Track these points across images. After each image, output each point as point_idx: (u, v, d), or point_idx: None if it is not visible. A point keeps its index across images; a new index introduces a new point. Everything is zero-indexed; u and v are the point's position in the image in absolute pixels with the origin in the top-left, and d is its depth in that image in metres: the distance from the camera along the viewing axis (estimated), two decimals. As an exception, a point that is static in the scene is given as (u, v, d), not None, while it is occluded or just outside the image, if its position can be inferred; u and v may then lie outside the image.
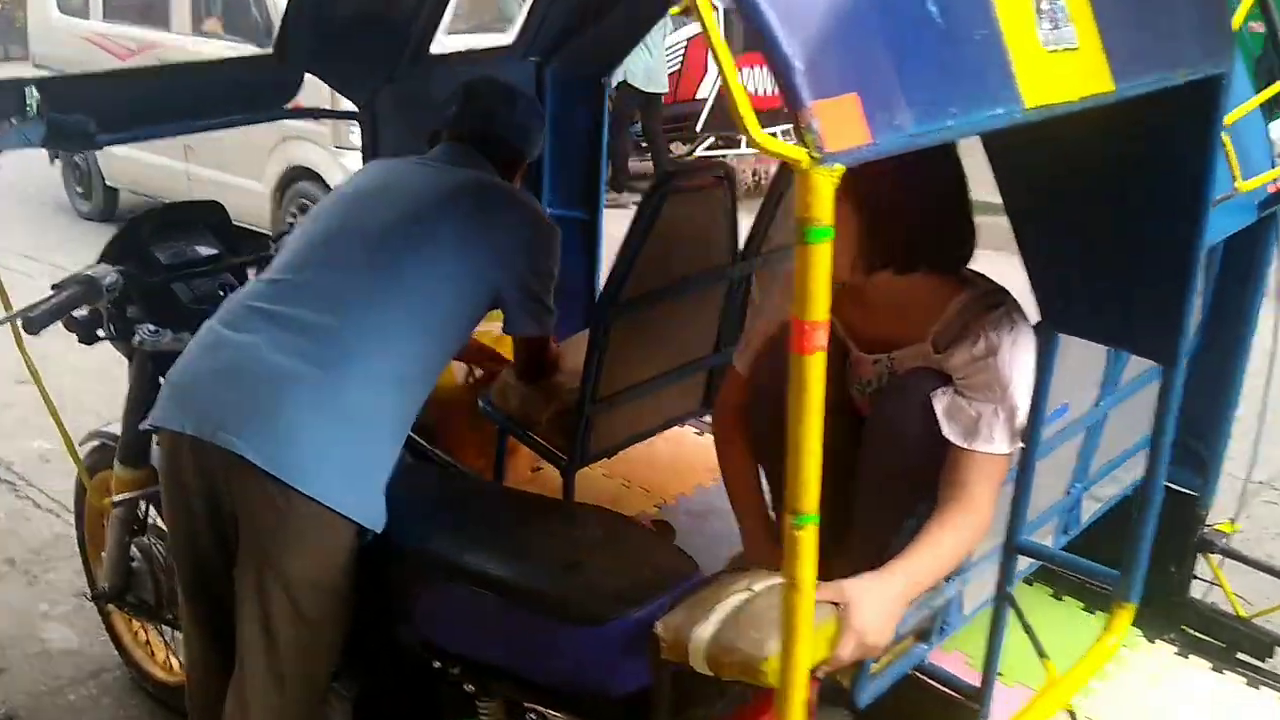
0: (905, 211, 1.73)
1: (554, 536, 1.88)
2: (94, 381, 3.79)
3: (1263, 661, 2.43)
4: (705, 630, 1.55)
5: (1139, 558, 1.65)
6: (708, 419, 2.93)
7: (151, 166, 6.98)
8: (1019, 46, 1.08)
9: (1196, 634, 2.50)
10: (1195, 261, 1.47)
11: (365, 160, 2.81)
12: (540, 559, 1.82)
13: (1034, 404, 1.72)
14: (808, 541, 1.02)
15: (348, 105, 2.91)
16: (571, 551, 1.82)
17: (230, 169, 6.49)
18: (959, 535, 1.69)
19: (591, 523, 1.92)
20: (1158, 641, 2.48)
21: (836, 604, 1.57)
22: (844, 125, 0.89)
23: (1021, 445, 1.74)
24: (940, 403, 1.75)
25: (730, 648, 1.51)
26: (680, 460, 3.02)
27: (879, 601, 1.59)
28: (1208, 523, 2.48)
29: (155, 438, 2.13)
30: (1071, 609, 2.42)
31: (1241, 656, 2.44)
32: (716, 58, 0.87)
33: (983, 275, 1.86)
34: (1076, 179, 1.54)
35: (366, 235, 2.11)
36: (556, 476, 2.78)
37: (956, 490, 1.72)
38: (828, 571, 1.91)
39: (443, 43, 3.13)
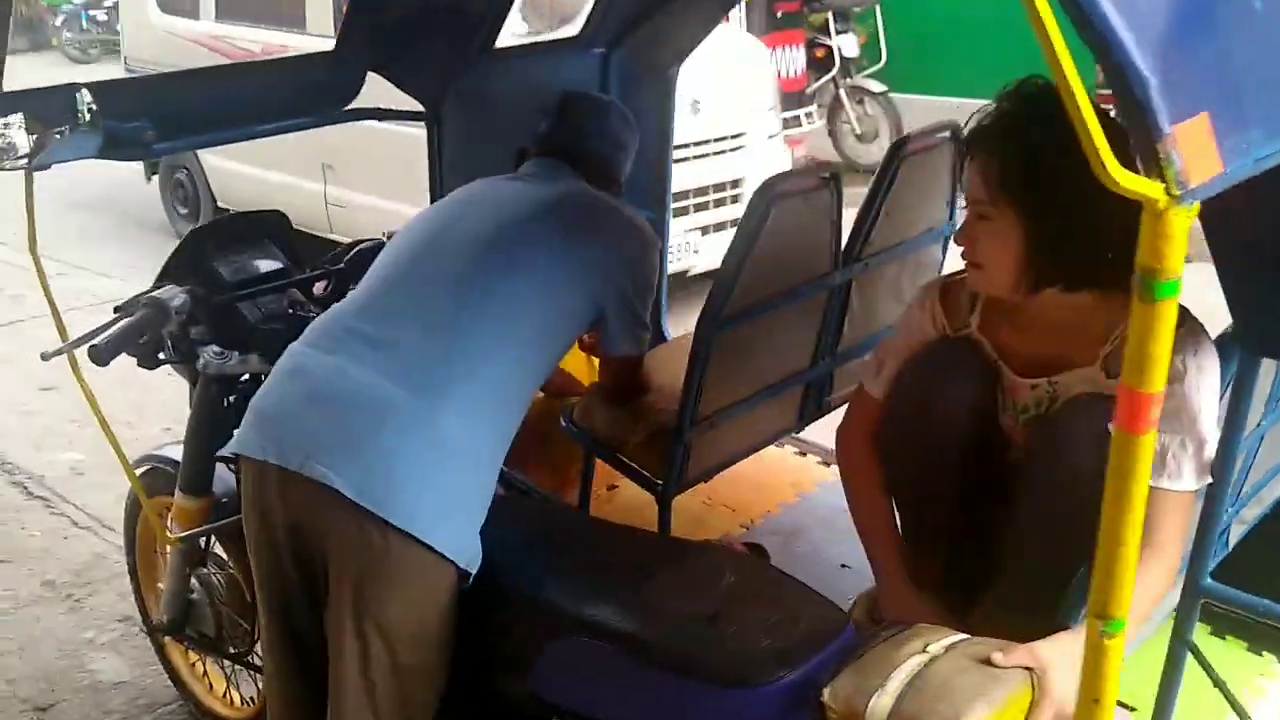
0: (1085, 223, 1.56)
1: (685, 583, 1.71)
2: (117, 389, 3.61)
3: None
4: (884, 701, 1.39)
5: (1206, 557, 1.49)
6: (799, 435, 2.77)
7: (281, 188, 5.69)
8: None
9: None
10: None
11: (432, 165, 2.63)
12: (675, 610, 1.65)
13: (1227, 435, 1.55)
14: (1116, 652, 0.84)
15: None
16: (709, 601, 1.65)
17: (385, 192, 5.15)
18: (1151, 584, 1.53)
19: (725, 567, 1.74)
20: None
21: (1030, 669, 1.40)
22: (1201, 153, 0.72)
23: (1210, 480, 1.57)
24: (1119, 435, 1.58)
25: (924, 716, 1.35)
26: (764, 477, 2.86)
27: (1077, 665, 1.42)
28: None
29: (235, 466, 1.95)
30: (1234, 648, 2.24)
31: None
32: (1059, 73, 0.70)
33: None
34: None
35: (458, 252, 1.95)
36: (635, 496, 2.63)
37: (1146, 533, 1.54)
38: (980, 619, 1.78)
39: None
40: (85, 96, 2.06)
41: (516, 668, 1.76)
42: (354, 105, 2.49)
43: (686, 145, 4.51)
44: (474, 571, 1.78)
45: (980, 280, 1.67)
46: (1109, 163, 0.70)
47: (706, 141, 4.82)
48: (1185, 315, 1.64)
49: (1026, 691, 1.39)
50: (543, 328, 1.96)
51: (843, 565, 2.60)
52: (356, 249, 2.38)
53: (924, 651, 1.46)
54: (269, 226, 2.39)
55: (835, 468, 2.96)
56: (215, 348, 2.22)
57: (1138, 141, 0.73)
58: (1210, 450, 1.56)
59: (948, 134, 2.49)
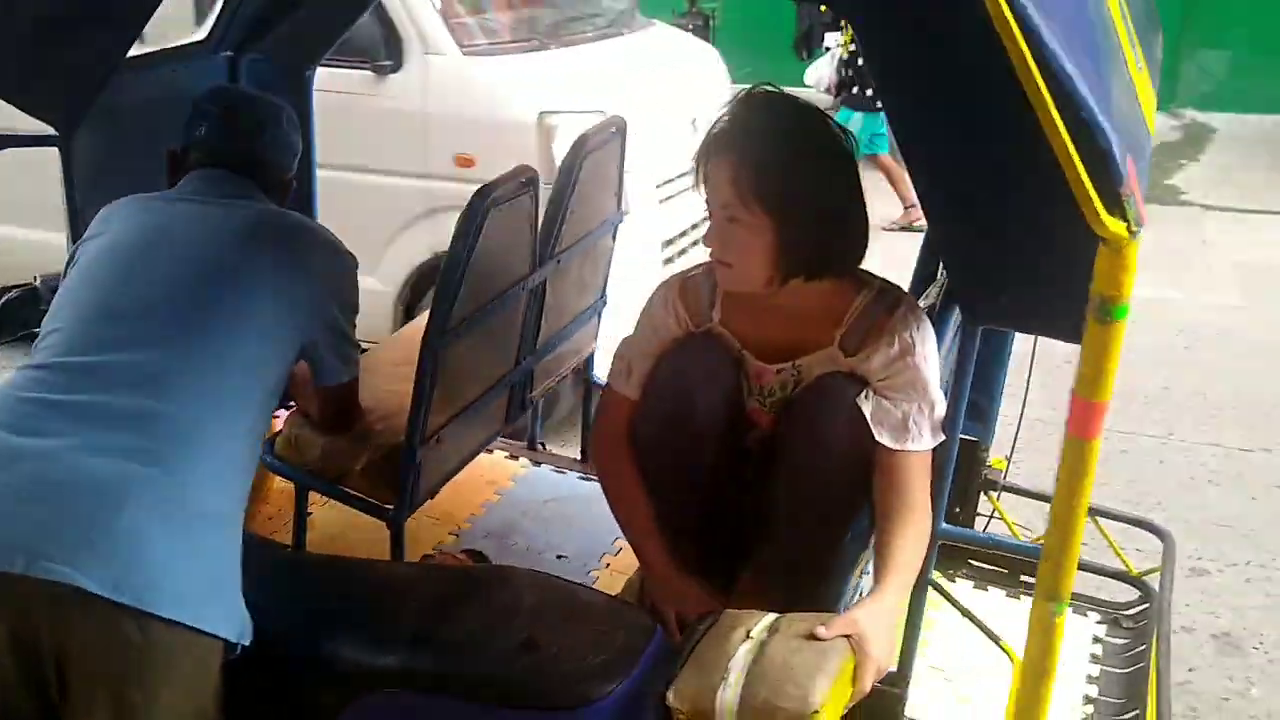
0: (823, 217, 1.70)
1: (484, 613, 1.68)
2: None
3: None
4: (729, 694, 1.46)
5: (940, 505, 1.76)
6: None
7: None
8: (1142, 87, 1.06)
9: (985, 566, 2.72)
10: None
11: (68, 190, 2.33)
12: (486, 643, 1.62)
13: (954, 396, 1.76)
14: (1060, 628, 0.96)
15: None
16: (516, 628, 1.64)
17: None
18: (919, 540, 1.71)
19: (519, 589, 1.73)
20: (956, 579, 2.68)
21: (847, 635, 1.53)
22: (1137, 193, 0.83)
23: (943, 437, 1.78)
24: (867, 407, 1.75)
25: (770, 708, 1.44)
26: (459, 481, 2.83)
27: (886, 627, 1.57)
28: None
29: None
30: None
31: (1026, 579, 2.68)
32: (1053, 132, 0.77)
33: (868, 271, 1.87)
34: (989, 177, 1.57)
35: (162, 298, 1.77)
36: (332, 524, 2.53)
37: (900, 494, 1.73)
38: (744, 593, 1.90)
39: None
40: None
41: (311, 734, 1.66)
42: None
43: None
44: (247, 642, 1.64)
45: (731, 278, 1.77)
46: (1100, 210, 0.79)
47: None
48: (902, 294, 1.84)
49: (850, 656, 1.51)
50: (263, 371, 1.82)
51: (559, 555, 2.65)
52: (3, 300, 2.07)
53: (749, 638, 1.54)
54: None
55: (524, 460, 3.04)
56: None
57: (1102, 187, 0.82)
58: (940, 411, 1.77)
59: (614, 129, 2.58)
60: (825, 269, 1.76)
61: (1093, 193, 0.79)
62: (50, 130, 2.27)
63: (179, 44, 2.74)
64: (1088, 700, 2.31)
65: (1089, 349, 0.87)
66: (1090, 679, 2.38)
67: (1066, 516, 0.91)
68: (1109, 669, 2.40)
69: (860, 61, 6.89)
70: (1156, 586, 2.55)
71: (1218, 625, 3.24)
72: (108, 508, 1.54)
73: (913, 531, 1.69)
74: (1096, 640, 2.49)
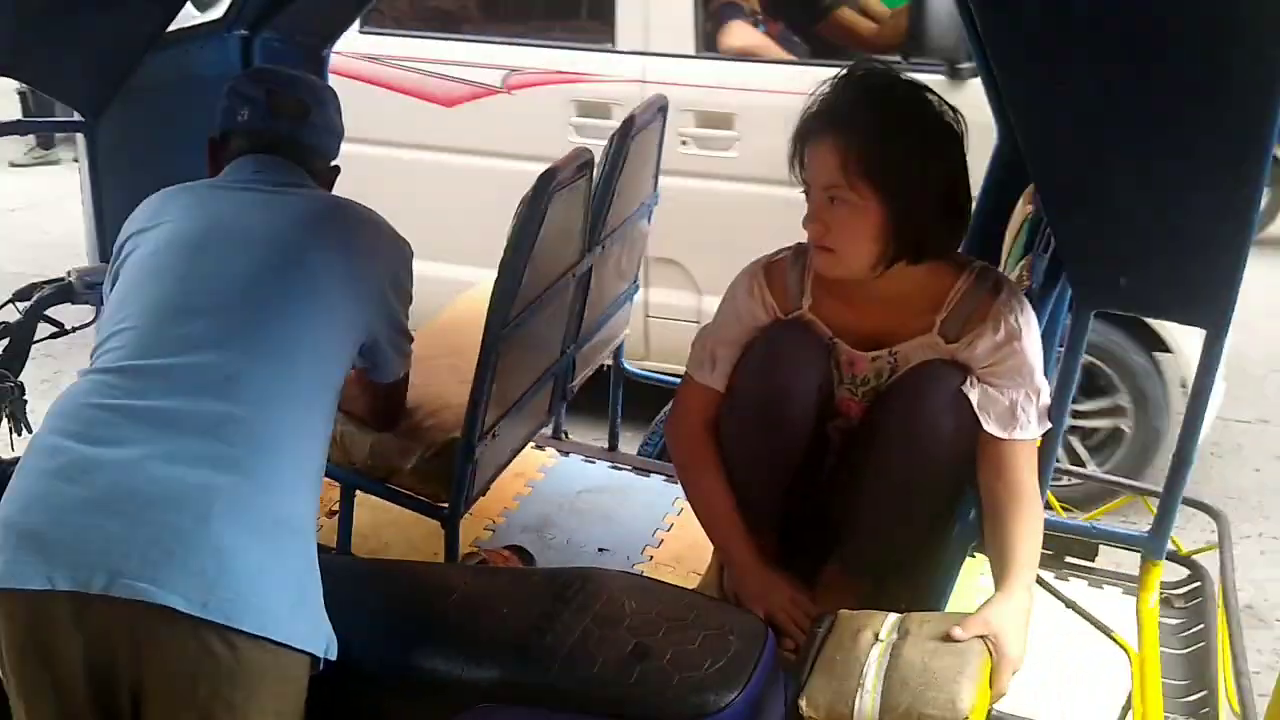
0: (931, 196, 1.64)
1: (583, 620, 1.59)
2: None
3: (1091, 561, 2.66)
4: (868, 700, 1.41)
5: (1170, 516, 1.71)
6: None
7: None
8: None
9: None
10: (1253, 222, 1.48)
11: (94, 181, 2.20)
12: (592, 652, 1.54)
13: (1062, 381, 1.71)
14: None
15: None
16: (620, 635, 1.56)
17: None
18: (1037, 531, 1.66)
19: (617, 593, 1.65)
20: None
21: (983, 636, 1.47)
22: None
23: (1050, 425, 1.72)
24: (973, 395, 1.69)
25: (915, 715, 1.38)
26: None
27: (1019, 625, 1.52)
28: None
29: None
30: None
31: (1071, 560, 2.65)
32: None
33: (961, 254, 1.81)
34: (1113, 158, 1.52)
35: (232, 294, 1.66)
36: (367, 524, 2.43)
37: (1011, 485, 1.67)
38: (828, 586, 1.84)
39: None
40: None
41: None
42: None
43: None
44: (333, 658, 1.55)
45: (834, 264, 1.69)
46: None
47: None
48: (1003, 277, 1.78)
49: (987, 658, 1.45)
50: (332, 369, 1.73)
51: (600, 549, 2.58)
52: (36, 298, 1.95)
53: (878, 640, 1.48)
54: None
55: (550, 450, 2.95)
56: None
57: None
58: (1046, 398, 1.71)
59: (659, 107, 2.49)
60: (930, 251, 1.69)
61: None
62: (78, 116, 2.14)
63: (191, 24, 2.60)
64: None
65: None
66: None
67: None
68: (1167, 650, 2.37)
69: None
70: (1205, 565, 2.54)
71: (1240, 599, 3.24)
72: (192, 519, 1.45)
73: (1030, 523, 1.64)
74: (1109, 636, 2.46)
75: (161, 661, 1.44)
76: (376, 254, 1.85)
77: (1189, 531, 2.74)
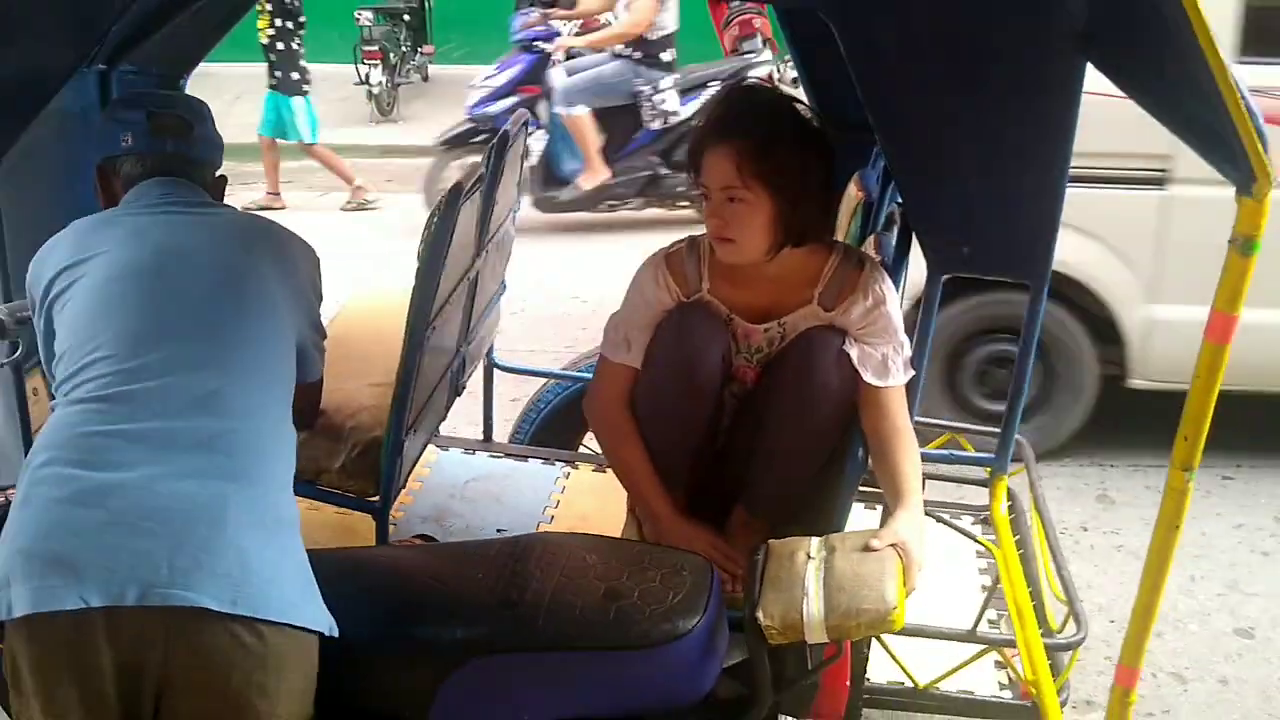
0: (809, 190, 1.96)
1: (556, 575, 1.82)
2: None
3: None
4: (815, 606, 1.70)
5: (1010, 439, 2.10)
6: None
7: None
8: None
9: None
10: (1063, 193, 1.88)
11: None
12: (570, 599, 1.77)
13: (920, 336, 2.06)
14: (1190, 491, 1.26)
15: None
16: (589, 582, 1.80)
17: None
18: (917, 460, 2.00)
19: (574, 550, 1.89)
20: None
21: (893, 545, 1.80)
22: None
23: (913, 373, 2.08)
24: (853, 352, 2.02)
25: (855, 611, 1.69)
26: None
27: (921, 534, 1.85)
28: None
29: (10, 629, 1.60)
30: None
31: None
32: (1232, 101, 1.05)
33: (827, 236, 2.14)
34: (953, 128, 1.88)
35: (193, 318, 1.79)
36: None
37: (892, 424, 2.01)
38: (735, 528, 2.14)
39: None
40: None
41: (410, 713, 1.76)
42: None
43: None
44: (335, 634, 1.72)
45: (733, 252, 1.99)
46: (1271, 171, 1.08)
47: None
48: (865, 256, 2.12)
49: (899, 562, 1.78)
50: (288, 375, 1.89)
51: (499, 530, 2.79)
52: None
53: (810, 558, 1.78)
54: None
55: (430, 446, 3.13)
56: None
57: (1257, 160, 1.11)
58: (908, 351, 2.06)
59: (524, 121, 2.72)
60: (810, 236, 2.01)
61: (1264, 157, 1.08)
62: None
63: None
64: (984, 589, 2.70)
65: (1229, 274, 1.16)
66: (981, 571, 2.78)
67: (1201, 406, 1.21)
68: (992, 562, 2.80)
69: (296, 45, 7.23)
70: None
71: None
72: (210, 527, 1.60)
73: (913, 454, 1.99)
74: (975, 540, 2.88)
75: (195, 658, 1.58)
76: (300, 261, 1.99)
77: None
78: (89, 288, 1.81)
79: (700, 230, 2.08)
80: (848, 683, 1.95)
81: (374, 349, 2.23)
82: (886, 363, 2.03)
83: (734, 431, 2.20)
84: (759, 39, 8.89)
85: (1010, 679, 2.41)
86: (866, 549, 1.79)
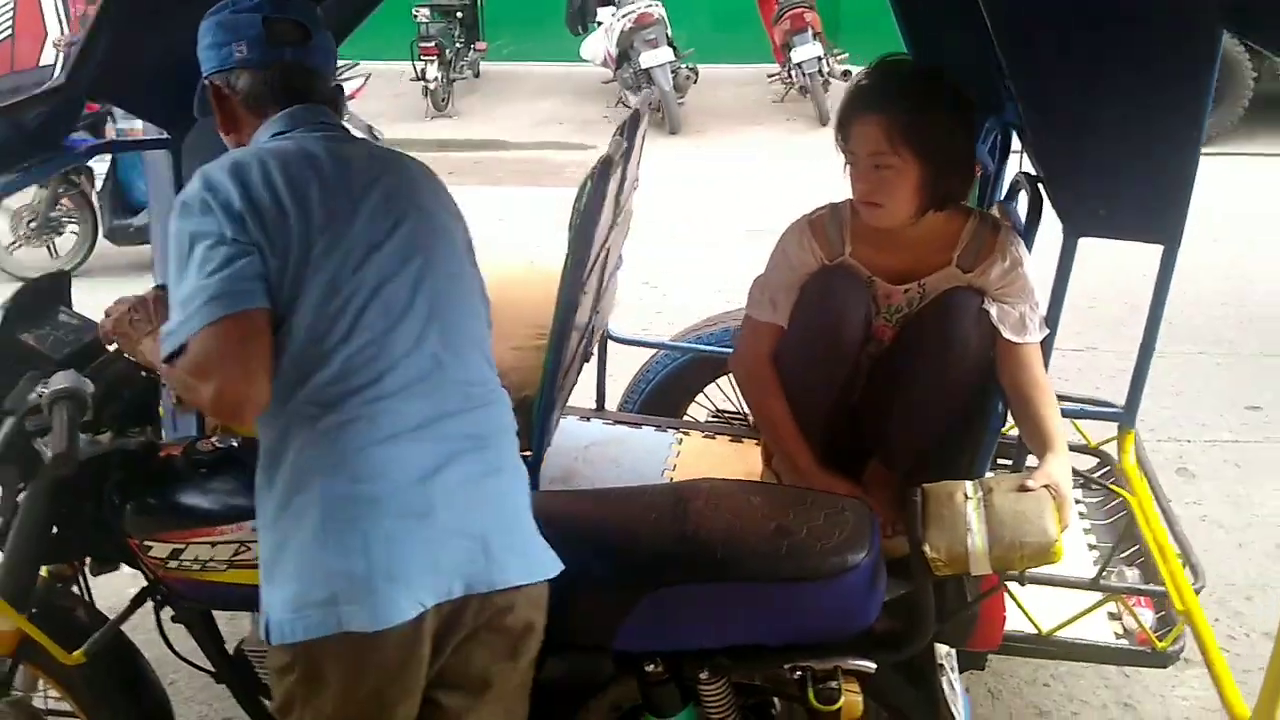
0: (954, 157, 2.07)
1: (723, 515, 1.95)
2: None
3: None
4: (978, 540, 1.82)
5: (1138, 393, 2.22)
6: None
7: None
8: None
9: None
10: (1198, 156, 1.99)
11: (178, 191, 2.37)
12: (745, 534, 1.90)
13: (1055, 296, 2.18)
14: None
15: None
16: (760, 520, 1.93)
17: None
18: (1057, 409, 2.12)
19: (731, 494, 2.01)
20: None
21: (1047, 485, 1.92)
22: None
23: (1048, 331, 2.19)
24: (993, 310, 2.14)
25: (1019, 544, 1.81)
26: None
27: (1069, 475, 1.97)
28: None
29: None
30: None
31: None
32: None
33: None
34: (1096, 97, 1.99)
35: (426, 297, 1.74)
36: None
37: (1031, 377, 2.13)
38: (871, 479, 2.26)
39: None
40: None
41: (597, 637, 1.90)
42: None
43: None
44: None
45: (881, 216, 2.11)
46: None
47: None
48: (999, 222, 2.24)
49: (1052, 501, 1.90)
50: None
51: (622, 492, 2.92)
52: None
53: (969, 498, 1.90)
54: (52, 292, 2.07)
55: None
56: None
57: None
58: (1043, 310, 2.19)
59: (650, 105, 2.85)
60: (952, 201, 2.13)
61: None
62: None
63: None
64: (1090, 548, 2.81)
65: None
66: (1085, 531, 2.89)
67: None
68: (1096, 522, 2.91)
69: None
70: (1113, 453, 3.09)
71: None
72: (511, 517, 1.76)
73: (1053, 404, 2.11)
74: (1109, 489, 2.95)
75: (500, 627, 1.73)
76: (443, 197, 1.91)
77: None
78: (335, 266, 1.66)
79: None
80: (1004, 613, 2.06)
81: (507, 313, 2.36)
82: (1025, 320, 2.15)
83: (869, 389, 2.32)
84: (809, 33, 9.03)
85: (1125, 629, 2.52)
86: (1022, 489, 1.91)
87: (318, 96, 1.85)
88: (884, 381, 2.29)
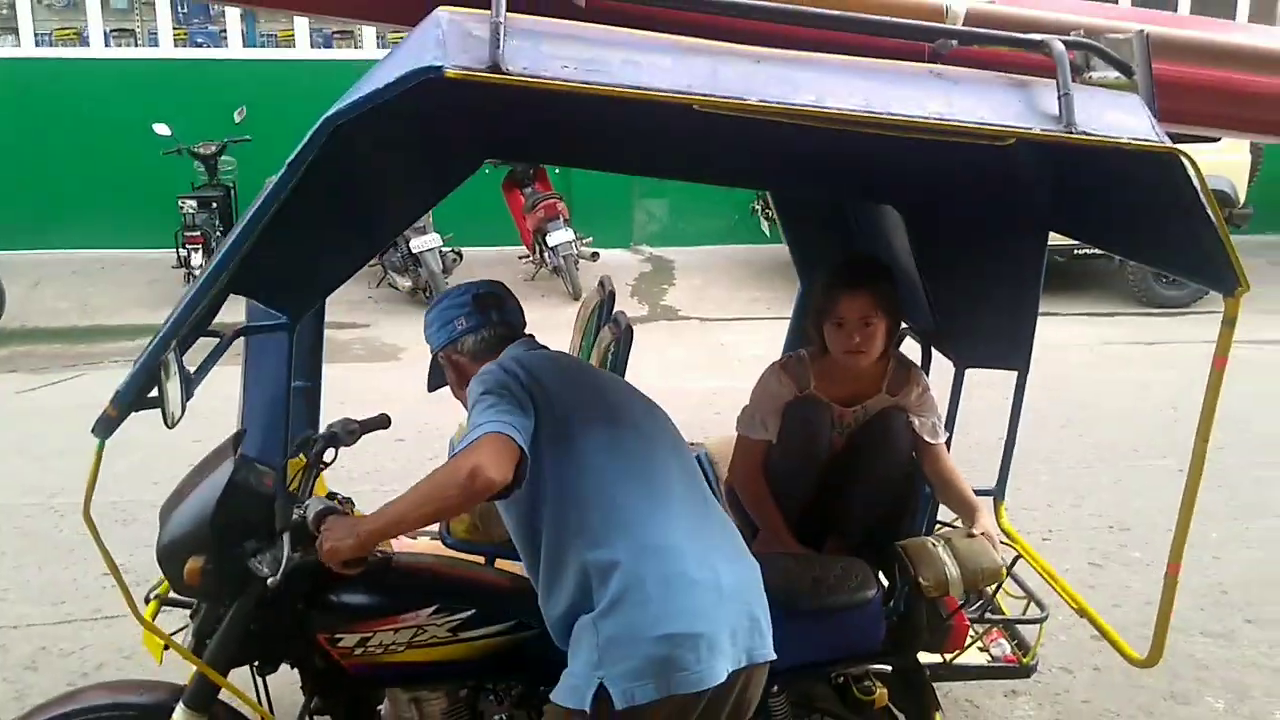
0: (900, 315, 3.02)
1: (776, 575, 2.71)
2: None
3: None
4: (954, 570, 2.69)
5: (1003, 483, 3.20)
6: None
7: None
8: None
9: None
10: (1037, 304, 3.05)
11: (292, 374, 2.87)
12: (795, 584, 2.66)
13: (951, 410, 3.14)
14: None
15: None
16: (803, 578, 2.70)
17: None
18: (969, 486, 3.03)
19: (770, 562, 2.78)
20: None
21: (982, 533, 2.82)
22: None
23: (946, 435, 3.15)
24: (915, 422, 3.07)
25: (979, 570, 2.69)
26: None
27: (995, 526, 2.88)
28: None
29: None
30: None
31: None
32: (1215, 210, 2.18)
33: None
34: (969, 274, 3.01)
35: (644, 445, 2.35)
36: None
37: (944, 466, 3.06)
38: (831, 552, 3.10)
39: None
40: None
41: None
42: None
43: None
44: None
45: (862, 360, 2.98)
46: (1241, 274, 2.18)
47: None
48: (908, 360, 3.20)
49: (989, 541, 2.79)
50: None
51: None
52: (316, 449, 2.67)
53: (937, 544, 2.76)
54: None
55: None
56: (269, 554, 2.40)
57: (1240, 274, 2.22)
58: (942, 420, 3.14)
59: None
60: (892, 349, 3.07)
61: (1241, 267, 2.19)
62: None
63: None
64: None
65: (1222, 340, 2.26)
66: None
67: (1207, 419, 2.30)
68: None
69: None
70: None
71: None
72: (750, 594, 2.25)
73: (963, 481, 3.03)
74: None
75: (750, 697, 2.22)
76: None
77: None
78: (590, 443, 2.27)
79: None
80: (967, 625, 2.91)
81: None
82: (935, 427, 3.09)
83: (828, 485, 3.17)
84: (561, 220, 10.11)
85: (992, 655, 3.43)
86: (969, 535, 2.80)
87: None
88: (840, 478, 3.14)
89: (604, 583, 2.13)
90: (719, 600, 2.13)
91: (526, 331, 2.63)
